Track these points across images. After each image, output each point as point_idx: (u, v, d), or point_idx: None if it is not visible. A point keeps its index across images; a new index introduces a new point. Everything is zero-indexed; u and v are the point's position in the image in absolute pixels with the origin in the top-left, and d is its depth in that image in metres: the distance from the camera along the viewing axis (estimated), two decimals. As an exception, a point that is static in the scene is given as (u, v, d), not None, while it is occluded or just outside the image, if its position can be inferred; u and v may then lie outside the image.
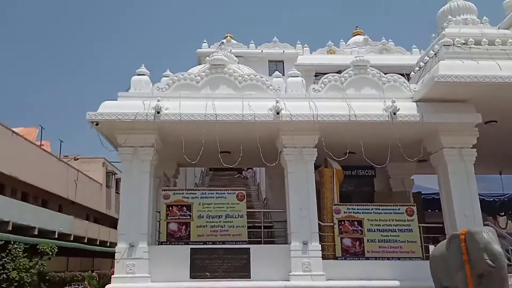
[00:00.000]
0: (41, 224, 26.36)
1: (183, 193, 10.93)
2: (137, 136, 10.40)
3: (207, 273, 10.17)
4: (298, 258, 10.05)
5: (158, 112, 10.04)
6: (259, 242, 10.91)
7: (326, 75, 11.03)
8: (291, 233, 10.24)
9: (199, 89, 10.89)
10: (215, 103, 10.34)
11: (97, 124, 10.12)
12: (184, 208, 10.82)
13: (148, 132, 10.39)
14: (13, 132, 25.56)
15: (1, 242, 19.75)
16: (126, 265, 9.91)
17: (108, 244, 38.99)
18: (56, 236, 27.65)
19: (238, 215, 10.84)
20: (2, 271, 19.23)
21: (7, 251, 19.92)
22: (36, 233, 25.37)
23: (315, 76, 17.66)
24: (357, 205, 11.11)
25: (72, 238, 31.42)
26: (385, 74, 11.03)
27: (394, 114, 10.07)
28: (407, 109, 10.36)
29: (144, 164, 10.55)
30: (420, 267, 9.70)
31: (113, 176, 42.49)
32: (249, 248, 10.39)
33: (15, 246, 20.42)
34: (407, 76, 12.36)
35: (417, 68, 12.18)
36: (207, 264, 10.24)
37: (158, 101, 10.07)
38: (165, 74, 11.77)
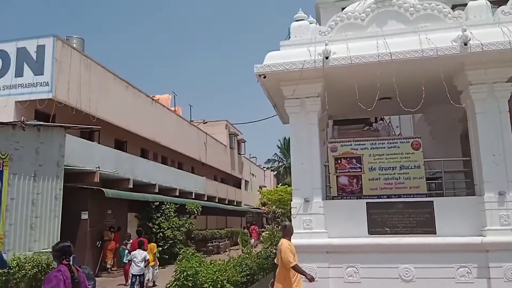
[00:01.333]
0: (181, 185, 27.83)
1: (351, 145, 10.18)
2: (303, 86, 9.74)
3: (387, 229, 9.43)
4: (494, 210, 8.81)
5: (327, 58, 9.25)
6: (440, 195, 9.85)
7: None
8: (483, 183, 8.98)
9: (365, 27, 9.85)
10: (386, 40, 9.24)
11: (264, 77, 9.65)
12: (354, 160, 10.09)
13: (314, 81, 9.68)
14: (153, 99, 26.89)
15: (157, 203, 21.11)
16: (303, 221, 9.54)
17: (235, 203, 40.57)
18: (193, 197, 29.14)
19: (415, 166, 9.84)
20: (159, 230, 20.62)
21: (161, 211, 21.30)
22: (177, 194, 26.89)
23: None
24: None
25: (206, 198, 32.95)
26: None
27: None
28: None
29: (311, 116, 9.95)
30: None
31: (235, 137, 43.62)
32: (432, 201, 9.39)
33: (167, 206, 21.77)
34: None
35: None
36: (386, 219, 9.48)
37: (326, 45, 9.26)
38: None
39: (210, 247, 26.84)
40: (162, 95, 31.65)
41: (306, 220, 9.52)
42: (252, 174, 50.20)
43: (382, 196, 9.79)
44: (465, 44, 8.71)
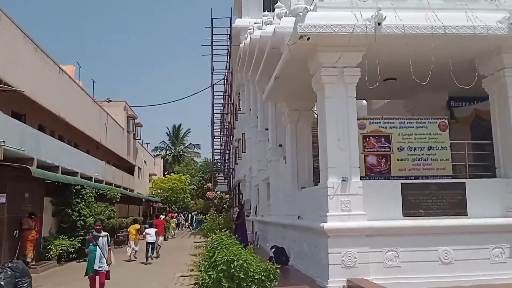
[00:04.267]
0: (83, 169, 24.75)
1: (380, 122, 9.59)
2: (344, 54, 8.82)
3: (421, 211, 9.04)
4: (523, 192, 9.00)
5: (379, 24, 8.46)
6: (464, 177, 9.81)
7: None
8: (513, 166, 9.11)
9: (404, -1, 9.28)
10: (434, 14, 8.80)
11: (308, 39, 8.47)
12: (383, 139, 9.53)
13: (356, 49, 8.82)
14: (61, 68, 23.20)
15: (78, 187, 18.23)
16: (341, 202, 8.65)
17: (128, 190, 37.63)
18: (93, 182, 26.11)
19: (441, 147, 9.64)
20: (79, 217, 17.82)
21: (80, 196, 18.43)
22: (79, 178, 23.72)
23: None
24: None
25: (104, 184, 29.89)
26: None
27: None
28: None
29: (349, 88, 9.07)
30: None
31: (133, 120, 40.48)
32: (464, 183, 9.26)
33: (87, 191, 18.94)
34: None
35: None
36: (421, 201, 9.09)
37: (379, 10, 8.46)
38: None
39: (121, 237, 24.19)
40: (65, 66, 27.56)
41: (344, 201, 8.66)
42: (144, 161, 47.21)
43: (410, 177, 9.37)
44: (512, 25, 8.67)
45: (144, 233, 18.45)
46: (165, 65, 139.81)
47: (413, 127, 9.64)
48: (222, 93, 40.16)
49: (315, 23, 8.42)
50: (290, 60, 9.70)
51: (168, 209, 47.46)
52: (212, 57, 31.94)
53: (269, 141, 16.57)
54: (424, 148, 9.58)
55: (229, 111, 33.95)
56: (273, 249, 12.29)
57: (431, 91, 12.30)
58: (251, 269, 7.01)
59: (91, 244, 9.11)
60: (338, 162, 8.80)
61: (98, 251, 9.00)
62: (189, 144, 63.34)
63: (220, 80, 37.38)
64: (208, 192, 18.05)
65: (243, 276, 6.93)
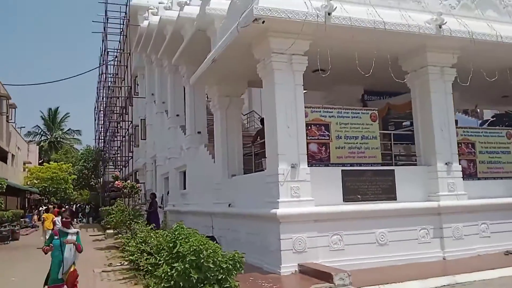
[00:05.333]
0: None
1: (320, 111, 9.88)
2: (290, 41, 8.89)
3: (359, 196, 9.59)
4: (443, 178, 10.04)
5: (329, 14, 8.67)
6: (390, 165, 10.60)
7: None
8: (435, 154, 10.08)
9: (346, -9, 9.60)
10: (376, 10, 9.30)
11: (263, 22, 8.34)
12: (323, 127, 9.84)
13: (305, 37, 8.92)
14: None
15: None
16: (291, 188, 8.77)
17: None
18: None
19: (372, 136, 10.28)
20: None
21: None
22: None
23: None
24: (471, 128, 11.43)
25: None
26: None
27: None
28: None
29: (297, 76, 9.17)
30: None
31: (7, 101, 36.30)
32: (393, 170, 10.02)
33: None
34: None
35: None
36: (358, 187, 9.62)
37: (330, 0, 8.67)
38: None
39: (4, 232, 21.58)
40: None
41: (294, 187, 8.80)
42: (18, 147, 42.55)
43: (345, 165, 9.85)
44: (440, 27, 9.53)
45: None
46: (48, 41, 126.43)
47: (349, 117, 10.10)
48: (112, 75, 37.89)
49: (270, 7, 8.32)
50: (234, 43, 9.45)
51: (46, 201, 43.57)
52: (106, 36, 29.91)
53: (186, 128, 16.09)
54: (358, 137, 10.10)
55: (122, 95, 32.14)
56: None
57: (348, 84, 13.06)
58: (219, 259, 6.76)
59: (55, 237, 6.63)
60: (287, 149, 8.88)
61: (66, 253, 6.59)
62: (68, 130, 58.65)
63: (110, 61, 35.21)
64: (116, 182, 16.89)
65: (212, 266, 6.65)
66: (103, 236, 22.12)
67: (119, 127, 37.13)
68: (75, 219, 26.51)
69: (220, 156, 12.27)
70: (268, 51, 8.99)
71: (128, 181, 18.88)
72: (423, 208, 9.81)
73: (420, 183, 10.11)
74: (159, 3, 22.16)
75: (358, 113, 10.26)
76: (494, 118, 18.56)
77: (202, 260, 6.60)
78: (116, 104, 36.00)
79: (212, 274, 6.71)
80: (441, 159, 10.09)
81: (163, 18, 17.92)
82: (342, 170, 9.53)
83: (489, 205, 10.35)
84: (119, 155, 36.67)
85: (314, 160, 9.66)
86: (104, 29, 30.36)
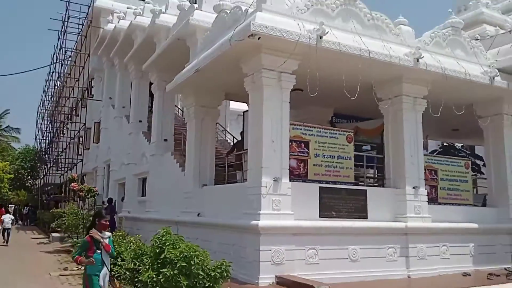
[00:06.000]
0: None
1: (301, 129, 10.16)
2: (281, 59, 9.17)
3: (333, 212, 9.92)
4: (411, 201, 10.61)
5: (321, 37, 9.05)
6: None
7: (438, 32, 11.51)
8: (405, 178, 10.65)
9: (333, 18, 10.04)
10: (359, 38, 9.79)
11: (259, 38, 8.54)
12: (303, 144, 10.12)
13: (292, 57, 9.18)
14: None
15: None
16: (272, 201, 8.95)
17: None
18: None
19: (347, 157, 10.70)
20: None
21: None
22: None
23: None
24: (435, 156, 12.19)
25: None
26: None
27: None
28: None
29: (284, 93, 9.44)
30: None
31: None
32: (366, 190, 10.47)
33: None
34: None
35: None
36: (334, 204, 9.96)
37: (322, 24, 9.05)
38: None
39: None
40: None
41: (275, 200, 8.99)
42: None
43: (321, 182, 10.17)
44: (418, 60, 10.20)
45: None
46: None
47: (327, 136, 10.45)
48: (63, 75, 36.47)
49: (266, 24, 8.56)
50: (222, 56, 9.58)
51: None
52: (65, 34, 28.95)
53: (152, 135, 15.86)
54: (334, 156, 10.46)
55: (73, 96, 31.01)
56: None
57: (319, 106, 13.52)
58: (208, 266, 6.76)
59: (97, 251, 6.05)
60: (270, 163, 9.07)
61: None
62: (7, 127, 55.24)
63: (64, 60, 33.95)
64: (72, 184, 16.22)
65: (202, 273, 6.63)
66: (47, 239, 21.09)
67: (65, 128, 35.69)
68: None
69: (192, 165, 12.21)
70: (258, 66, 9.19)
71: (85, 184, 18.18)
72: (392, 228, 10.30)
73: (389, 204, 10.63)
74: (128, 8, 21.93)
75: (336, 133, 10.65)
76: (441, 149, 19.85)
77: (193, 267, 6.59)
78: (65, 105, 34.62)
79: (200, 282, 6.71)
80: (409, 183, 10.68)
81: (133, 23, 17.73)
82: (319, 187, 9.84)
83: (449, 229, 11.06)
84: (63, 157, 35.19)
85: (293, 175, 9.87)
86: (62, 27, 29.35)
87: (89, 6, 26.81)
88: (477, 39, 13.04)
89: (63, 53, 30.14)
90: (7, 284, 9.79)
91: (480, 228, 11.59)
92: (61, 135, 36.97)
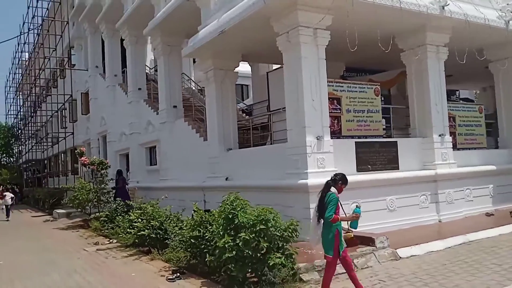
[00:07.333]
0: None
1: (333, 85, 10.16)
2: (316, 15, 9.02)
3: (369, 166, 10.12)
4: (438, 149, 10.92)
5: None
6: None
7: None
8: (432, 127, 10.89)
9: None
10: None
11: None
12: (335, 101, 10.16)
13: (326, 12, 9.03)
14: None
15: None
16: (317, 159, 9.04)
17: None
18: None
19: (376, 110, 10.83)
20: None
21: None
22: None
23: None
24: (452, 103, 12.48)
25: None
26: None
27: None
28: None
29: (320, 50, 9.36)
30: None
31: None
32: (396, 142, 10.69)
33: None
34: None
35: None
36: (368, 158, 10.15)
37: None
38: None
39: None
40: None
41: (320, 159, 9.09)
42: None
43: (354, 137, 10.31)
44: (443, 8, 10.21)
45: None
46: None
47: (357, 91, 10.51)
48: (34, 45, 34.85)
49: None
50: (253, 15, 9.32)
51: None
52: (37, 0, 27.41)
53: (160, 102, 15.51)
54: (364, 110, 10.57)
55: (50, 67, 29.75)
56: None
57: (331, 61, 13.40)
58: (281, 227, 6.86)
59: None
60: (312, 121, 9.08)
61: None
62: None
63: (31, 29, 32.28)
64: (82, 158, 15.81)
65: (278, 234, 6.74)
66: (49, 216, 20.74)
67: (43, 101, 34.42)
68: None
69: (216, 129, 12.09)
70: (294, 24, 9.02)
71: (95, 157, 17.78)
72: (423, 176, 10.63)
73: (417, 153, 10.91)
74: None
75: (364, 87, 10.71)
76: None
77: (271, 227, 6.67)
78: (40, 77, 33.21)
79: (275, 243, 6.82)
80: (436, 131, 10.94)
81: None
82: (355, 142, 9.98)
83: (472, 173, 11.51)
84: (43, 132, 34.14)
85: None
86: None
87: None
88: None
89: (37, 22, 28.56)
90: (50, 264, 9.63)
91: (497, 170, 12.12)
92: (38, 108, 35.69)
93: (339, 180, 6.04)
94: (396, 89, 15.39)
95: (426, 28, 10.71)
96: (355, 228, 6.25)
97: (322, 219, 5.82)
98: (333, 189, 5.98)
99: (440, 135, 10.99)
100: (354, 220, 6.10)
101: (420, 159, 10.95)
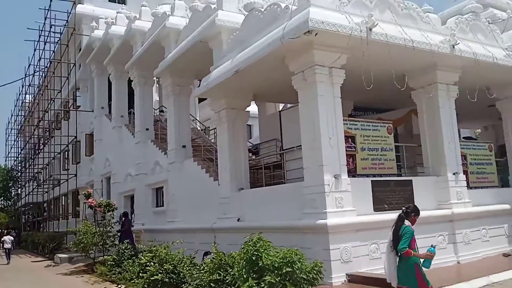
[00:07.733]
0: None
1: (347, 124, 10.15)
2: (331, 55, 9.15)
3: (385, 205, 9.96)
4: (453, 188, 10.80)
5: (370, 29, 9.05)
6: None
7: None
8: (446, 165, 10.81)
9: (371, 10, 9.94)
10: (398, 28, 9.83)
11: (316, 35, 8.45)
12: (350, 139, 10.12)
13: (342, 51, 9.18)
14: None
15: None
16: (335, 198, 8.89)
17: None
18: None
19: (389, 148, 10.79)
20: None
21: None
22: None
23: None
24: (463, 141, 12.46)
25: None
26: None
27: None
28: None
29: (335, 88, 9.40)
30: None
31: None
32: (411, 180, 10.58)
33: None
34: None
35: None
36: (385, 196, 10.01)
37: (371, 16, 9.04)
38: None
39: None
40: None
41: (338, 198, 8.94)
42: None
43: (368, 176, 10.21)
44: (453, 47, 10.36)
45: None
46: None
47: (370, 129, 10.50)
48: (38, 87, 35.23)
49: (321, 20, 8.47)
50: (268, 55, 9.43)
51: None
52: (45, 43, 27.90)
53: (168, 142, 15.46)
54: (378, 149, 10.53)
55: (54, 108, 29.90)
56: (207, 256, 11.51)
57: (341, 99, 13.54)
58: (307, 270, 6.65)
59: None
60: (330, 160, 9.00)
61: None
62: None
63: (37, 71, 32.75)
64: (89, 199, 15.56)
65: (305, 277, 6.52)
66: (51, 261, 20.20)
67: (45, 144, 34.38)
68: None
69: (228, 169, 11.97)
70: (310, 63, 9.11)
71: (102, 199, 17.51)
72: (440, 216, 10.44)
73: (432, 192, 10.77)
74: (118, 12, 21.27)
75: (377, 126, 10.70)
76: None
77: (297, 270, 6.46)
78: (43, 118, 33.33)
79: (301, 286, 6.60)
80: (450, 170, 10.85)
81: (133, 28, 17.26)
82: (371, 180, 9.86)
83: (487, 212, 11.32)
84: (41, 173, 33.92)
85: (343, 171, 9.84)
86: (40, 37, 28.27)
87: (70, 13, 25.88)
88: (489, 23, 13.38)
89: (44, 64, 28.98)
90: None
91: (511, 209, 11.92)
92: (40, 150, 35.60)
93: (411, 212, 6.10)
94: (403, 128, 15.43)
95: (437, 66, 10.82)
96: (428, 268, 6.02)
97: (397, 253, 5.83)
98: (407, 222, 5.82)
99: (454, 174, 10.89)
100: (427, 259, 5.92)
101: (435, 198, 10.81)
